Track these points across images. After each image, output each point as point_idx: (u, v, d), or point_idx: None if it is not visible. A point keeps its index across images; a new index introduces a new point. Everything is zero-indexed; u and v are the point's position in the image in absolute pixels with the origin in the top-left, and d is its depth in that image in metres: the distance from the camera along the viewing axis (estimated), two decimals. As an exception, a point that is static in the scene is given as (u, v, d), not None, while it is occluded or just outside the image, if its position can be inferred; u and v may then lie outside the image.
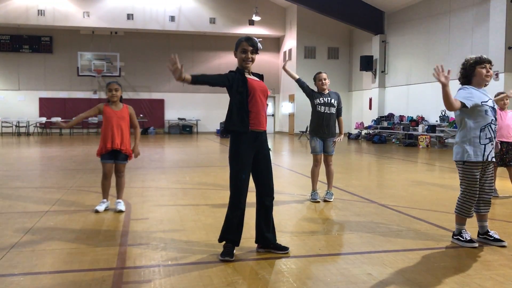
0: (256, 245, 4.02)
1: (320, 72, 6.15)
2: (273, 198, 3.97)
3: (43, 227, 4.75)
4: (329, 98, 6.10)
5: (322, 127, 6.12)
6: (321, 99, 6.10)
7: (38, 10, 22.90)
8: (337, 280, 3.30)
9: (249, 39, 3.85)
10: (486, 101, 4.08)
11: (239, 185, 3.79)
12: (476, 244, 4.11)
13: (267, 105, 4.13)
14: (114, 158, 5.53)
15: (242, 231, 3.88)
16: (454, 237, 4.26)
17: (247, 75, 3.91)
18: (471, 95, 4.03)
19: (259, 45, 3.90)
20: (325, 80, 6.09)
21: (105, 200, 5.57)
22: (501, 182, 7.25)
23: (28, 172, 9.30)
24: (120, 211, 5.45)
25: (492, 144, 4.10)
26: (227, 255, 3.71)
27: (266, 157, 3.93)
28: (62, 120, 24.24)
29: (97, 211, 5.42)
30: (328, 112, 6.09)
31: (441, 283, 3.23)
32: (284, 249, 3.94)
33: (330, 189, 6.30)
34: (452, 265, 3.63)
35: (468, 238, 4.15)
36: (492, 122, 4.09)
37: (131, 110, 5.64)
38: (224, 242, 3.85)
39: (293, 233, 4.57)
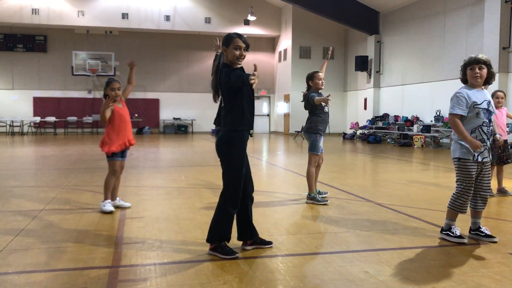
0: (239, 243, 4.00)
1: (318, 72, 6.14)
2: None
3: (37, 226, 4.71)
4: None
5: (328, 125, 6.23)
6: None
7: (32, 9, 22.78)
8: (334, 278, 3.29)
9: (241, 36, 3.79)
10: (480, 104, 4.06)
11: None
12: (465, 240, 4.12)
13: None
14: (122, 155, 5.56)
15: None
16: (443, 232, 4.27)
17: None
18: (462, 101, 4.04)
19: None
20: (323, 80, 6.11)
21: (110, 200, 5.48)
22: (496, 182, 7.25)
23: (22, 171, 9.23)
24: (129, 207, 5.55)
25: (484, 146, 4.09)
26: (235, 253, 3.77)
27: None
28: (57, 119, 24.17)
29: (111, 212, 5.32)
30: (328, 110, 6.17)
31: (438, 281, 3.23)
32: (269, 243, 4.03)
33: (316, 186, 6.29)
34: (449, 263, 3.63)
35: (458, 234, 4.17)
36: (484, 125, 4.09)
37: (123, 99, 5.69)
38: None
39: (289, 232, 4.56)
